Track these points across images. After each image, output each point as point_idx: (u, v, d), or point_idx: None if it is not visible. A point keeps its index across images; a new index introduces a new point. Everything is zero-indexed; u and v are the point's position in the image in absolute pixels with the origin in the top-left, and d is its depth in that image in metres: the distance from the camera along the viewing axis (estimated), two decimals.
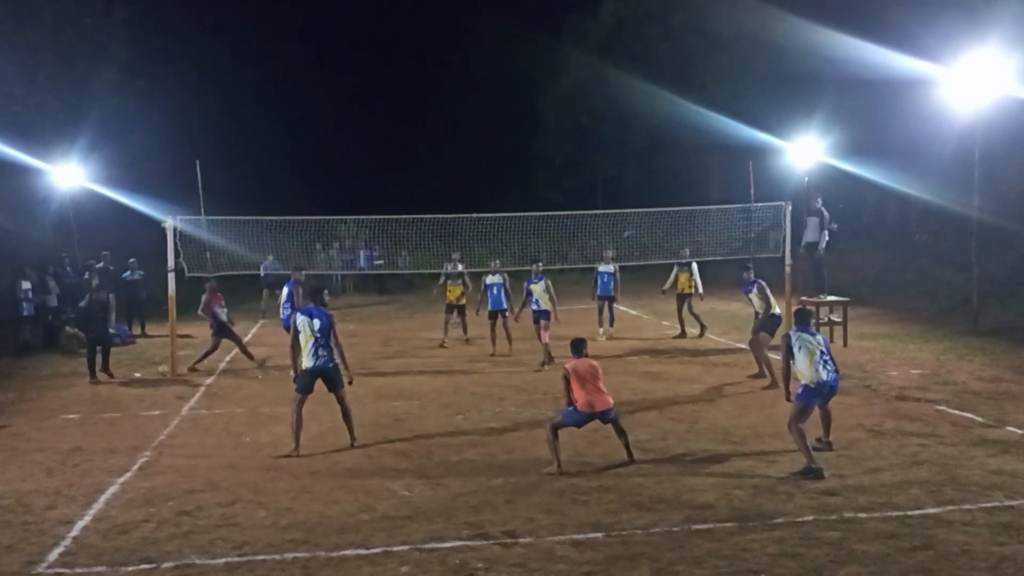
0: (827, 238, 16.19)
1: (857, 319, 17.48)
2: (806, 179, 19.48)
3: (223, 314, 15.15)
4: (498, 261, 16.72)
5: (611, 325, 17.86)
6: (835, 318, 16.01)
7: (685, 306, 17.46)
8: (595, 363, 8.73)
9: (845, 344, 15.49)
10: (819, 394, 8.45)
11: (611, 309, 17.77)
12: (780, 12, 25.18)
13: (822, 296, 16.21)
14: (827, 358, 8.51)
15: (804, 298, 16.22)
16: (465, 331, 17.41)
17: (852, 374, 12.92)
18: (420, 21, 50.35)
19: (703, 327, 17.24)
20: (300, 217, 18.54)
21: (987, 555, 6.11)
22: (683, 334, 17.36)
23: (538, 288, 14.55)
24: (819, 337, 8.71)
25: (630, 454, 8.66)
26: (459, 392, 12.51)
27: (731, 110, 28.74)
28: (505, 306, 15.79)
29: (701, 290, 17.45)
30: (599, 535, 6.67)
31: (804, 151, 19.85)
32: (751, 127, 26.24)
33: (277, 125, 44.03)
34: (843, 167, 22.19)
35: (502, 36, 42.10)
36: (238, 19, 42.18)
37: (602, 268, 17.52)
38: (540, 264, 14.99)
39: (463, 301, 17.09)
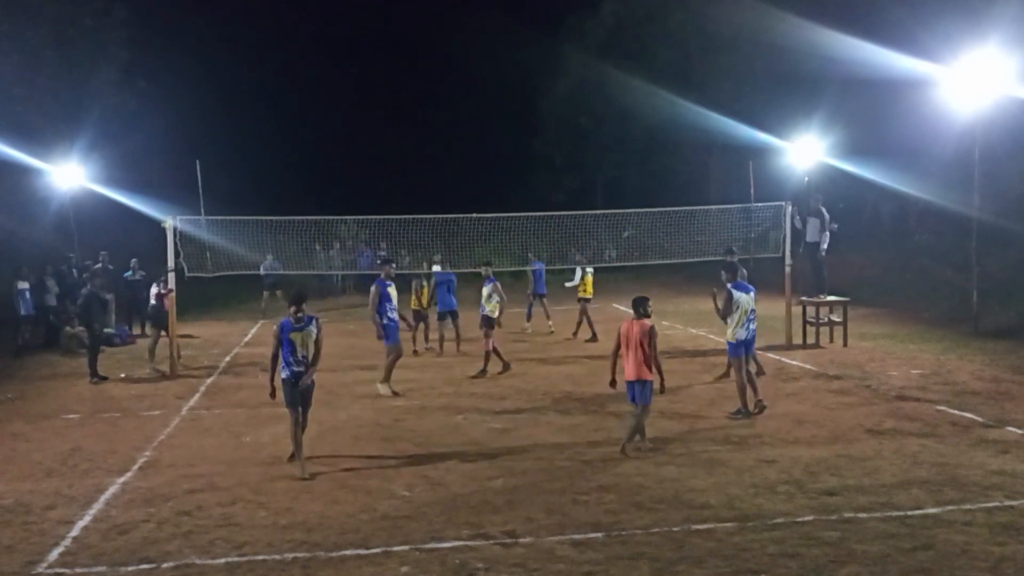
0: (828, 239, 16.16)
1: (857, 319, 17.48)
2: (806, 179, 19.48)
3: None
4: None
5: (527, 320, 18.78)
6: (835, 318, 16.00)
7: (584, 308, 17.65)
8: (649, 326, 8.68)
9: (845, 344, 15.49)
10: (741, 347, 10.38)
11: (531, 306, 18.87)
12: (780, 12, 25.19)
13: (822, 296, 16.20)
14: (751, 317, 10.40)
15: (804, 298, 16.21)
16: (433, 340, 16.35)
17: (852, 374, 12.93)
18: (420, 21, 50.40)
19: (575, 333, 17.62)
20: (300, 217, 18.52)
21: (987, 555, 6.11)
22: (593, 337, 17.05)
23: (484, 291, 13.97)
24: (751, 295, 10.46)
25: (623, 448, 8.82)
26: (459, 392, 12.50)
27: (731, 110, 28.76)
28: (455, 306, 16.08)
29: (568, 284, 18.03)
30: (599, 535, 6.67)
31: (804, 151, 19.85)
32: (751, 127, 26.26)
33: (277, 126, 44.06)
34: (843, 167, 22.20)
35: (502, 36, 42.13)
36: (238, 19, 42.22)
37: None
38: (489, 268, 14.50)
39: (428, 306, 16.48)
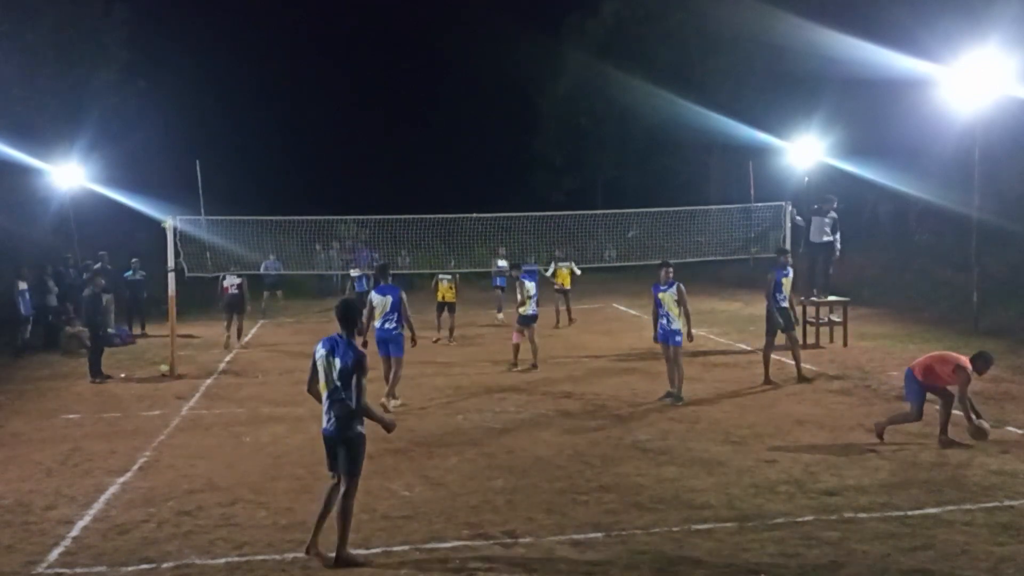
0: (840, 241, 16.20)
1: (857, 319, 17.46)
2: (806, 179, 19.50)
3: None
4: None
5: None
6: (835, 318, 15.99)
7: (562, 299, 19.41)
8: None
9: (845, 344, 15.48)
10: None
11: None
12: (780, 12, 25.19)
13: (823, 296, 16.17)
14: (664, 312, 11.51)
15: (803, 298, 16.18)
16: (451, 332, 17.35)
17: (852, 374, 12.92)
18: (420, 21, 50.37)
19: (559, 321, 19.22)
20: (300, 217, 18.53)
21: (987, 555, 6.11)
22: (565, 323, 19.19)
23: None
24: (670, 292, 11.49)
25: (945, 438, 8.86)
26: (459, 392, 12.50)
27: (731, 110, 28.76)
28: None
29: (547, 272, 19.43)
30: (599, 535, 6.67)
31: (804, 151, 19.87)
32: (751, 127, 26.27)
33: (277, 126, 44.04)
34: (843, 167, 22.21)
35: (502, 36, 42.17)
36: (238, 19, 42.21)
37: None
38: (519, 268, 14.72)
39: (453, 299, 17.70)
